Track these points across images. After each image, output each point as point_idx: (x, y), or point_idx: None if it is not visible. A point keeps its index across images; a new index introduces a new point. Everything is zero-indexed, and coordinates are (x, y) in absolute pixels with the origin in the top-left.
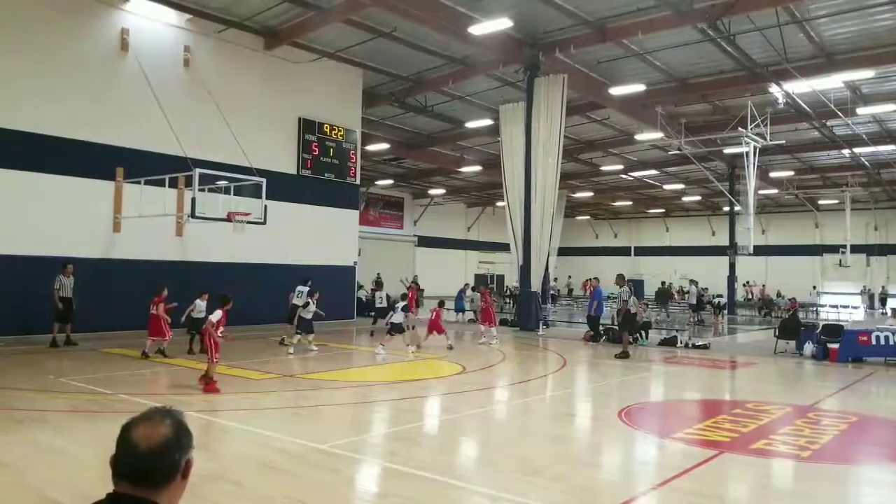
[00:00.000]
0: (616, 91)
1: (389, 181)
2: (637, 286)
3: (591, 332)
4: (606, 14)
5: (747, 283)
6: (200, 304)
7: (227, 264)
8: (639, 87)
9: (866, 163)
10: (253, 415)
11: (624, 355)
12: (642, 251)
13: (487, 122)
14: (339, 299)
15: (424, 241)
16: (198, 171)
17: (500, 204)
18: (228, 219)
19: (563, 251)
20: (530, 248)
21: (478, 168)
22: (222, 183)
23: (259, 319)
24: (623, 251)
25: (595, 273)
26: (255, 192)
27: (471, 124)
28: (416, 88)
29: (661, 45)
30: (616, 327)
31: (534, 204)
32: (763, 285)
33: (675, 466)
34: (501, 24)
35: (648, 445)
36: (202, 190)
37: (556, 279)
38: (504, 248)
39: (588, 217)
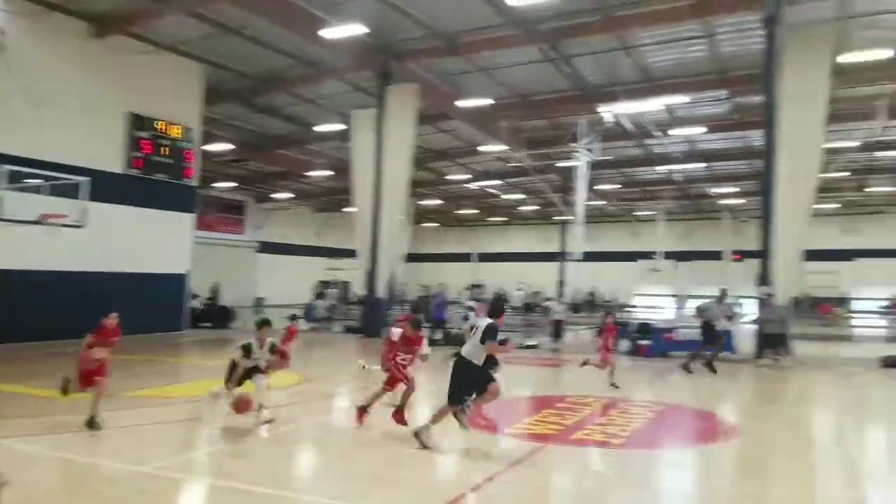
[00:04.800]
0: (464, 104)
1: (232, 184)
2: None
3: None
4: (457, 28)
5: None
6: None
7: (41, 272)
8: (486, 101)
9: (678, 179)
10: (65, 439)
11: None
12: (486, 258)
13: (339, 126)
14: (170, 309)
15: (268, 247)
16: (4, 167)
17: (348, 209)
18: (40, 221)
19: (412, 257)
20: (378, 255)
21: (327, 173)
22: (36, 181)
23: (77, 332)
24: (467, 258)
25: (441, 279)
26: (77, 192)
27: (321, 128)
28: (264, 88)
29: (507, 62)
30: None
31: (383, 210)
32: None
33: (505, 460)
34: (355, 30)
35: (483, 442)
36: (10, 188)
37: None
38: (352, 254)
39: (435, 224)
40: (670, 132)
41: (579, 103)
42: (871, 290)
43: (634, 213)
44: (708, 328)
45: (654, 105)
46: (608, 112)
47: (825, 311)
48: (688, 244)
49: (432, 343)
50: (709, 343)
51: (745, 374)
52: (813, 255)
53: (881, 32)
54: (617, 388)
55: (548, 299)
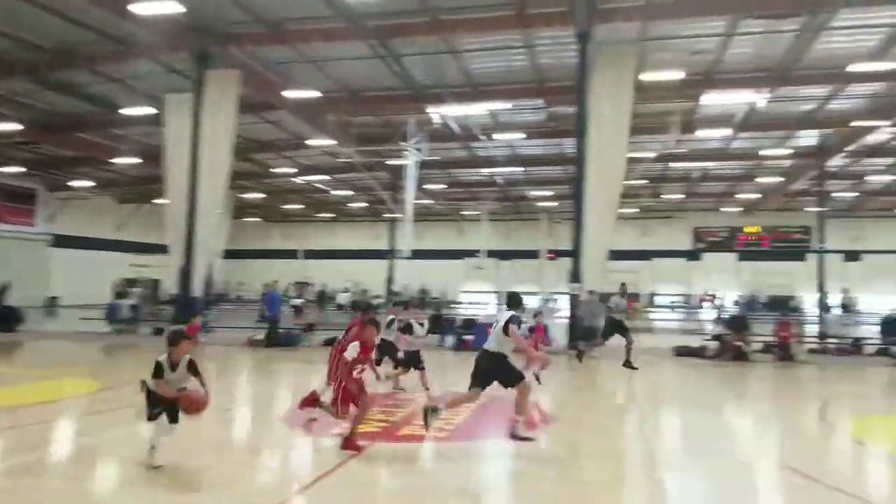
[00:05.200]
0: (290, 94)
1: (20, 168)
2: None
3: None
4: (284, 16)
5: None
6: None
7: None
8: (314, 94)
9: (500, 181)
10: None
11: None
12: (312, 254)
13: (150, 110)
14: None
15: (63, 241)
16: None
17: (159, 201)
18: None
19: (232, 254)
20: (193, 250)
21: (135, 160)
22: None
23: None
24: (293, 254)
25: (267, 277)
26: None
27: (129, 111)
28: (62, 63)
29: (336, 55)
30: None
31: (200, 203)
32: None
33: (331, 461)
34: (170, 7)
35: (308, 445)
36: None
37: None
38: (163, 249)
39: (259, 219)
40: (494, 136)
41: (408, 102)
42: (665, 287)
43: (461, 213)
44: (615, 322)
45: (478, 109)
46: (436, 113)
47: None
48: (509, 243)
49: (255, 343)
50: (622, 335)
51: (560, 365)
52: (617, 255)
53: (673, 55)
54: (539, 383)
55: (376, 297)
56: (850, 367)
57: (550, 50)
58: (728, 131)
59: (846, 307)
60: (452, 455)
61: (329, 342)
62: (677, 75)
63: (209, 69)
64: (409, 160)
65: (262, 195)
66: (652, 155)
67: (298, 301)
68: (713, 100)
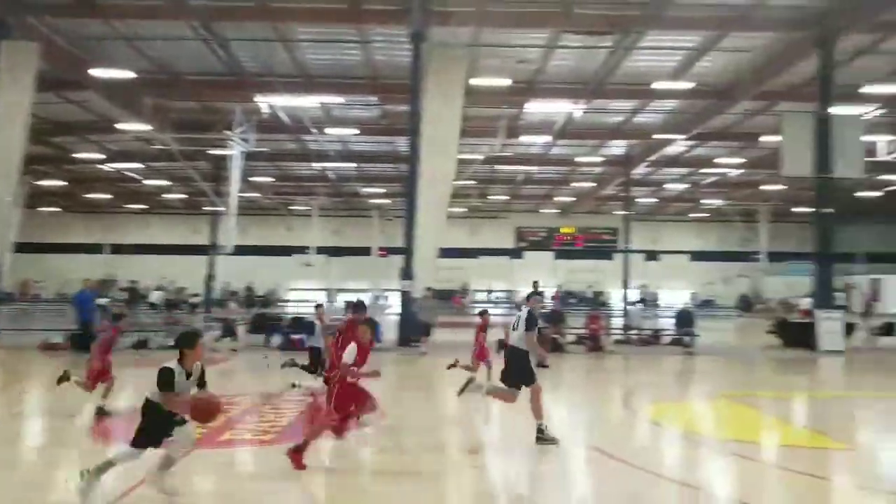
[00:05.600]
0: (99, 73)
1: None
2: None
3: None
4: None
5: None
6: None
7: None
8: (127, 74)
9: (332, 177)
10: None
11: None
12: (121, 249)
13: None
14: None
15: None
16: None
17: None
18: None
19: (24, 247)
20: None
21: None
22: None
23: None
24: (99, 249)
25: (66, 273)
26: None
27: None
28: None
29: (153, 33)
30: None
31: None
32: None
33: (141, 473)
34: None
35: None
36: None
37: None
38: None
39: (58, 209)
40: (326, 130)
41: (234, 90)
42: (490, 284)
43: (289, 208)
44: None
45: (310, 101)
46: (265, 102)
47: (456, 302)
48: (340, 240)
49: (51, 347)
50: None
51: (389, 361)
52: (446, 253)
53: (502, 62)
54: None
55: (195, 295)
56: (650, 356)
57: (385, 47)
58: (548, 138)
59: (646, 302)
60: (277, 458)
61: (141, 345)
62: (504, 82)
63: (5, 39)
64: (234, 150)
65: (62, 183)
66: (480, 157)
67: (104, 300)
68: (536, 108)
